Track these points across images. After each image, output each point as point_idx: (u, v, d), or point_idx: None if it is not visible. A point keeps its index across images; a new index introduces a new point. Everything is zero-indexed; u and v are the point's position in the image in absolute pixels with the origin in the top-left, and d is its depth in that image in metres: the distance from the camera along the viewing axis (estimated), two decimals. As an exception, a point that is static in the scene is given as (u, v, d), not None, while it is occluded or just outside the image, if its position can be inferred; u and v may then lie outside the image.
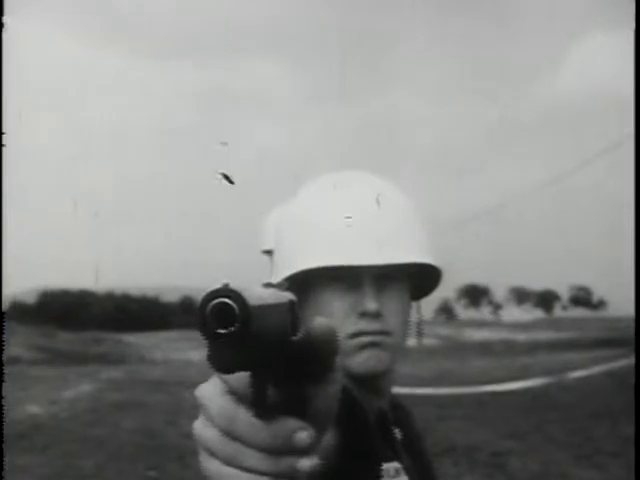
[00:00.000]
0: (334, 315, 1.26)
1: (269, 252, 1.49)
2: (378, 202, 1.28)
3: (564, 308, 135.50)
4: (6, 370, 1.39)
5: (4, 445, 1.37)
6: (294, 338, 0.51)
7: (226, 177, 0.90)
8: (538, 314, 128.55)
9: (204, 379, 0.56)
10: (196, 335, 0.50)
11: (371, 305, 1.26)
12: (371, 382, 1.30)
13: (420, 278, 1.36)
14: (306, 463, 0.53)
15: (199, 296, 0.50)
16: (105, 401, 15.66)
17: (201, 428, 0.55)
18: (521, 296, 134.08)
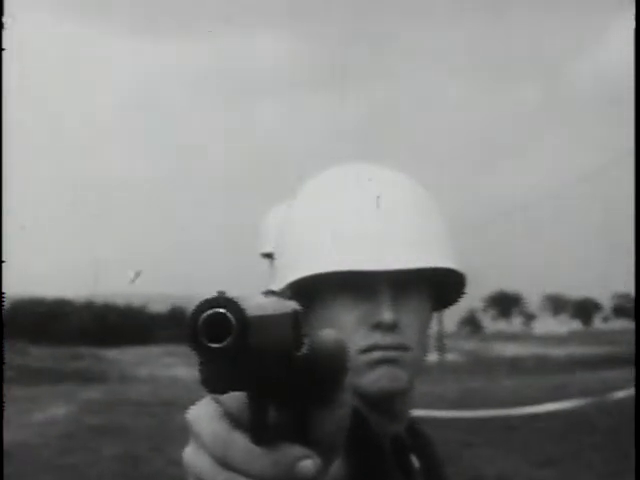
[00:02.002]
0: (344, 327, 1.26)
1: (269, 255, 1.49)
2: (378, 203, 1.28)
3: (605, 319, 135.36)
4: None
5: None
6: (298, 353, 0.51)
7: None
8: (576, 326, 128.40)
9: (195, 400, 0.56)
10: (187, 350, 0.50)
11: (386, 315, 1.25)
12: (386, 404, 1.29)
13: (442, 285, 1.36)
14: (311, 496, 0.53)
15: (190, 306, 0.50)
16: (82, 425, 15.67)
17: (192, 455, 0.55)
18: (557, 305, 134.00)
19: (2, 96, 1.40)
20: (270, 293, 0.54)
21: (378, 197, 1.28)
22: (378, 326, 1.26)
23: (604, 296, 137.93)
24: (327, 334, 0.53)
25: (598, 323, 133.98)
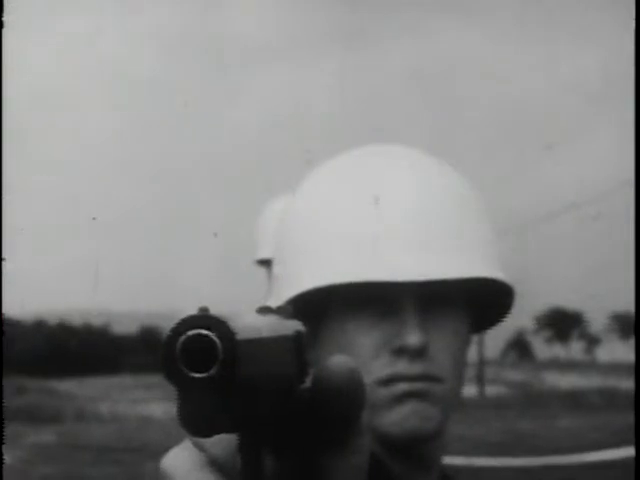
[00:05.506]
0: (359, 352, 1.26)
1: (266, 262, 1.49)
2: (377, 201, 1.28)
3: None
4: None
5: None
6: (301, 385, 0.51)
7: None
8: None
9: (172, 444, 0.56)
10: (162, 381, 0.49)
11: (413, 338, 1.25)
12: (412, 448, 1.29)
13: (483, 301, 1.36)
14: None
15: (166, 326, 0.49)
16: (32, 475, 15.71)
17: (169, 514, 0.55)
18: (627, 326, 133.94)
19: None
20: (267, 310, 0.54)
21: (377, 197, 1.28)
22: (402, 351, 1.26)
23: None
24: (338, 362, 0.52)
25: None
